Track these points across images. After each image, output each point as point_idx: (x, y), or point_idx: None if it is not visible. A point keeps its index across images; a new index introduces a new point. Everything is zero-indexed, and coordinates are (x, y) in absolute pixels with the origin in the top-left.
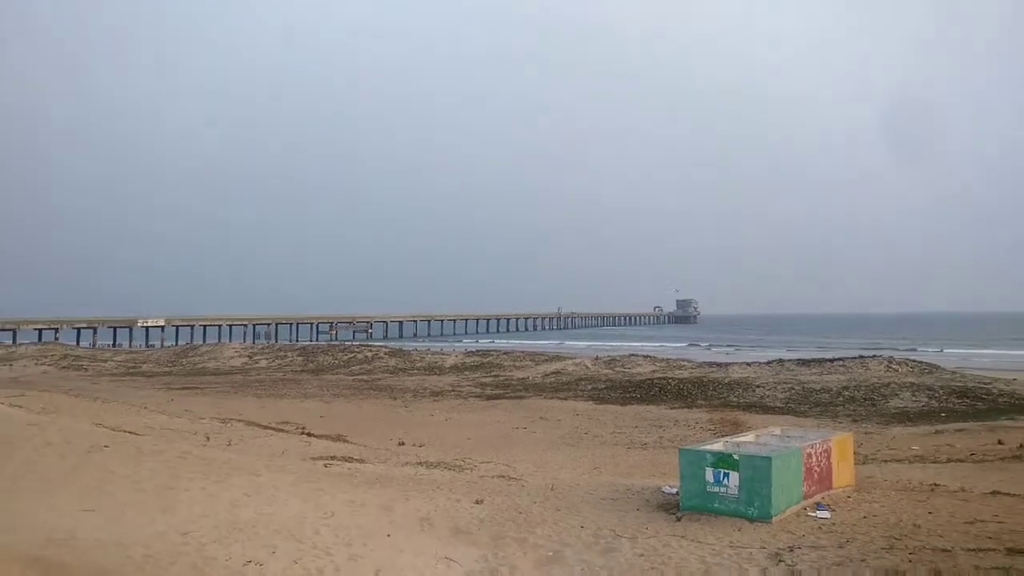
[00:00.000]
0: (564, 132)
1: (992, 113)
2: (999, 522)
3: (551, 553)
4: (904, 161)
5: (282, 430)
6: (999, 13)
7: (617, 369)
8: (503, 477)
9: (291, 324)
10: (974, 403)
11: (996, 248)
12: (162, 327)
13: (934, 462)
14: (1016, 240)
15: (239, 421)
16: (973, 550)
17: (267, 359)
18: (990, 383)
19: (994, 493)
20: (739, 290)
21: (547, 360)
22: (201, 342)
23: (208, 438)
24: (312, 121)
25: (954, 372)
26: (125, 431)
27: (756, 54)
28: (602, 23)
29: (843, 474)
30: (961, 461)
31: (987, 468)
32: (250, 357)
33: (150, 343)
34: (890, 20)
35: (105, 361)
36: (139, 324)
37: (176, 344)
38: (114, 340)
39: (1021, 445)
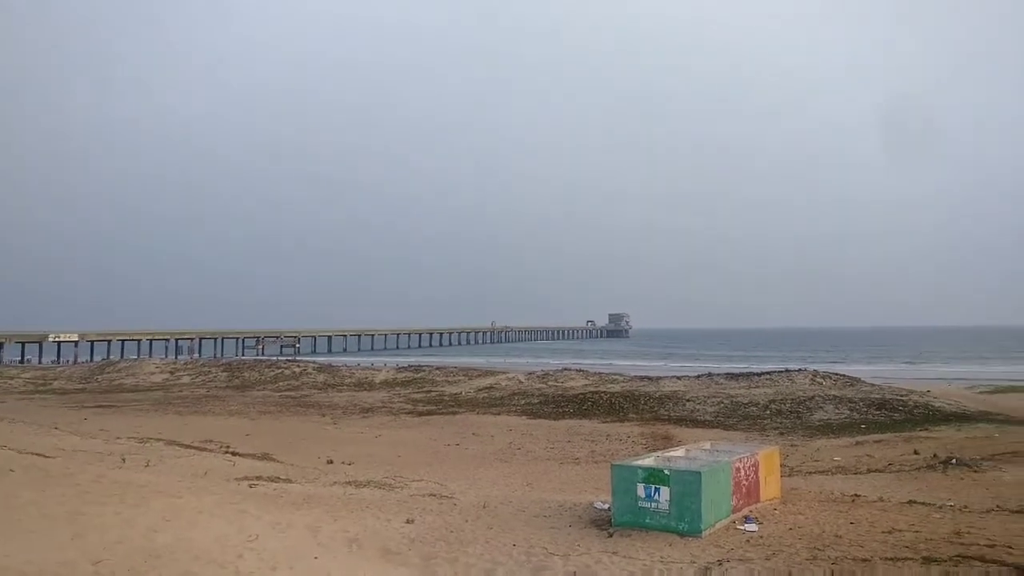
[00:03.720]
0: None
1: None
2: (915, 531)
3: (483, 573)
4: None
5: (205, 449)
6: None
7: (550, 383)
8: (434, 495)
9: (215, 339)
10: (891, 414)
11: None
12: (75, 342)
13: (855, 473)
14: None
15: (159, 440)
16: (891, 559)
17: (190, 375)
18: (906, 395)
19: (910, 503)
20: (666, 304)
21: (480, 375)
22: (119, 358)
23: (124, 459)
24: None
25: (873, 384)
26: (33, 453)
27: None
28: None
29: (770, 487)
30: (880, 471)
31: (904, 478)
32: (172, 373)
33: (62, 359)
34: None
35: (12, 379)
36: (50, 339)
37: (91, 360)
38: (22, 356)
39: (935, 455)
